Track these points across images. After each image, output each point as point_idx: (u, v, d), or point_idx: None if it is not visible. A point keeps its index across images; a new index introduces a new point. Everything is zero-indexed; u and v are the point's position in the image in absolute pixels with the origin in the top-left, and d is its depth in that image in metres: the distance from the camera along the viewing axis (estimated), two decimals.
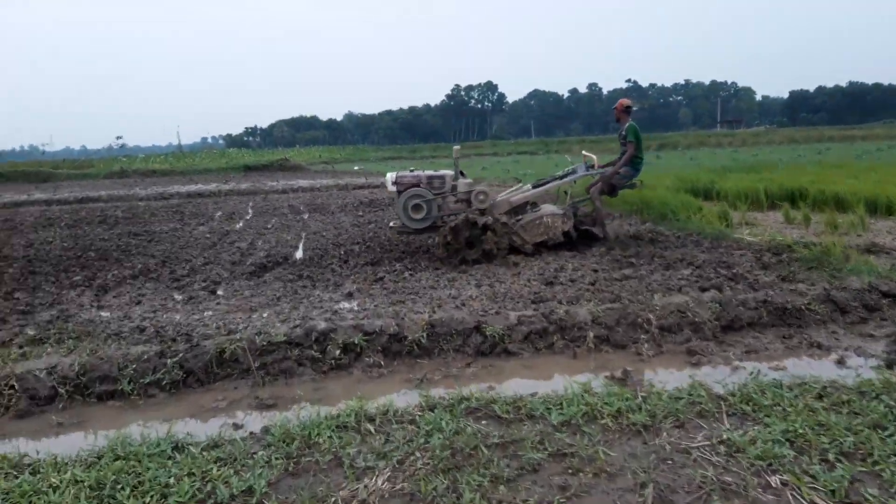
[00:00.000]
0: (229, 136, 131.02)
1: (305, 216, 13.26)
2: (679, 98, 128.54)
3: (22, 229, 12.42)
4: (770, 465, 2.95)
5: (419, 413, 3.63)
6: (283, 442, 3.33)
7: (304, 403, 4.05)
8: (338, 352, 4.62)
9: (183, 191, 20.28)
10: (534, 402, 3.70)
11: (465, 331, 4.88)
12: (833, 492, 2.73)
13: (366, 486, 2.88)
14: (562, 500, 2.74)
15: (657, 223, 9.88)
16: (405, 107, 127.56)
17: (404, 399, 4.01)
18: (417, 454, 3.15)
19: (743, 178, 13.91)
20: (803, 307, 5.24)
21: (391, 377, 4.48)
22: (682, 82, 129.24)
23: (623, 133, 8.54)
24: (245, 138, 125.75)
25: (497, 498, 2.76)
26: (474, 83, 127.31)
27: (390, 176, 8.21)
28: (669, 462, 3.03)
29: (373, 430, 3.44)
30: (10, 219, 14.22)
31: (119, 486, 2.89)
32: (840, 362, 4.45)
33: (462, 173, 8.28)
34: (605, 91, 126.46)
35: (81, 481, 2.93)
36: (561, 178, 8.66)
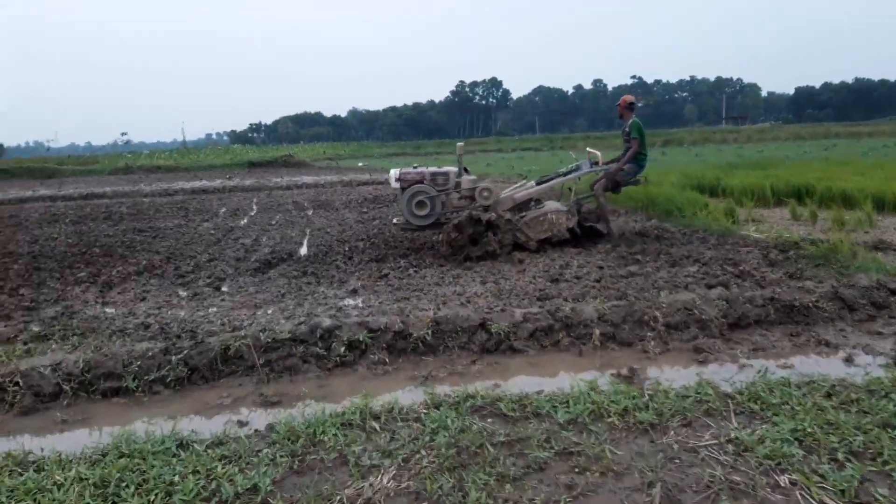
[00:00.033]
0: (234, 132, 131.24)
1: (310, 213, 13.25)
2: (684, 94, 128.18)
3: (27, 225, 12.44)
4: (779, 464, 2.93)
5: (424, 411, 3.62)
6: (288, 440, 3.32)
7: (308, 401, 4.03)
8: (343, 349, 4.61)
9: (187, 187, 20.28)
10: (540, 400, 3.68)
11: (470, 328, 4.85)
12: (843, 492, 2.70)
13: (371, 485, 2.86)
14: (568, 500, 2.72)
15: (663, 220, 9.84)
16: (409, 103, 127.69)
17: (409, 396, 4.00)
18: (423, 452, 3.14)
19: (749, 174, 13.84)
20: (811, 305, 5.20)
21: (396, 374, 4.46)
22: (688, 78, 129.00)
23: (626, 130, 8.49)
24: (249, 134, 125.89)
25: (503, 497, 2.74)
26: (479, 79, 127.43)
27: (394, 172, 8.19)
28: (677, 461, 3.01)
29: (378, 428, 3.43)
30: (16, 215, 14.24)
31: (124, 484, 2.88)
32: (848, 360, 4.41)
33: (466, 170, 8.25)
34: (609, 87, 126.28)
35: (86, 479, 2.92)
36: (565, 174, 8.62)
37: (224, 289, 6.84)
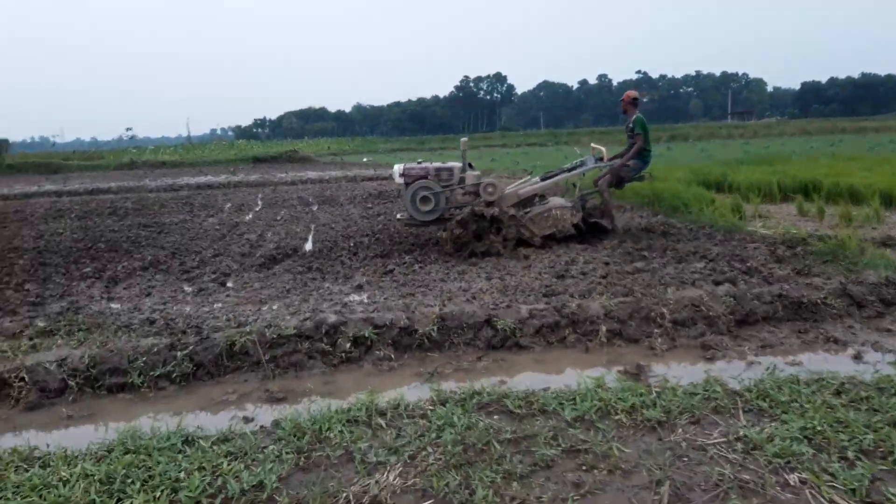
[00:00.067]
0: (238, 127, 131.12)
1: (314, 208, 13.24)
2: (690, 89, 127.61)
3: (32, 221, 12.45)
4: (788, 462, 2.90)
5: (430, 407, 3.60)
6: (294, 436, 3.30)
7: (314, 397, 4.02)
8: (348, 345, 4.59)
9: (192, 182, 20.29)
10: (546, 397, 3.66)
11: (475, 324, 4.83)
12: (853, 490, 2.68)
13: (377, 482, 2.84)
14: (576, 498, 2.70)
15: (669, 215, 9.79)
16: (414, 98, 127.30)
17: (415, 393, 3.98)
18: (429, 449, 3.12)
19: (755, 170, 13.78)
20: (819, 301, 5.17)
21: (402, 370, 4.45)
22: (693, 73, 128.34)
23: (630, 126, 8.44)
24: (254, 129, 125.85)
25: (510, 495, 2.72)
26: (483, 74, 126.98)
27: (398, 168, 8.16)
28: (685, 459, 2.98)
29: (384, 425, 3.41)
30: (21, 210, 14.26)
31: (129, 481, 2.87)
32: (857, 358, 4.38)
33: (470, 165, 8.22)
34: (615, 82, 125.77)
35: (91, 475, 2.91)
36: (570, 170, 8.58)
37: (229, 284, 6.83)
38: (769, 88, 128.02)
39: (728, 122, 74.46)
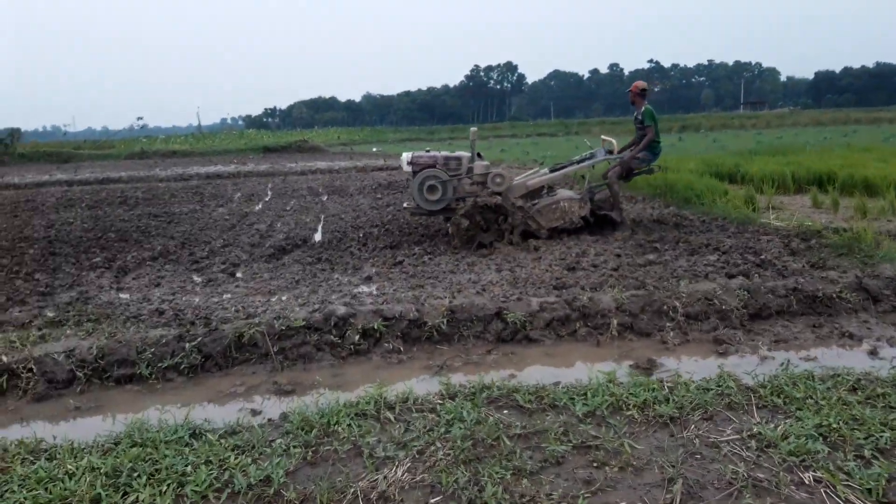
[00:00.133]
0: (249, 116, 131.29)
1: (324, 198, 13.22)
2: (702, 79, 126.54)
3: (43, 210, 12.49)
4: (803, 461, 2.85)
5: (439, 401, 3.56)
6: (302, 430, 3.27)
7: (322, 389, 4.00)
8: (357, 337, 4.56)
9: (202, 172, 20.30)
10: (557, 392, 3.61)
11: (485, 317, 4.79)
12: (869, 490, 2.62)
13: (385, 477, 2.81)
14: (587, 495, 2.66)
15: (681, 207, 9.71)
16: (424, 88, 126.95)
17: (424, 386, 3.95)
18: (438, 444, 3.08)
19: (769, 161, 13.65)
20: (834, 295, 5.09)
21: (410, 363, 4.42)
22: (706, 63, 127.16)
23: (639, 118, 8.32)
24: (264, 119, 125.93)
25: (520, 491, 2.68)
26: (493, 64, 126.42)
27: (406, 156, 8.11)
28: (698, 456, 2.94)
29: (392, 419, 3.38)
30: (32, 199, 14.31)
31: (136, 474, 2.84)
32: (873, 353, 4.32)
33: (479, 155, 8.15)
34: (626, 72, 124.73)
35: (98, 468, 2.89)
36: (579, 162, 8.50)
37: (238, 275, 6.82)
38: (782, 78, 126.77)
39: (741, 113, 73.85)
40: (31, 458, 3.06)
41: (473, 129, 8.53)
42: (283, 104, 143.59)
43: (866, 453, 2.88)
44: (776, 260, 6.21)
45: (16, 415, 3.81)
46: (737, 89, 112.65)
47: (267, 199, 13.35)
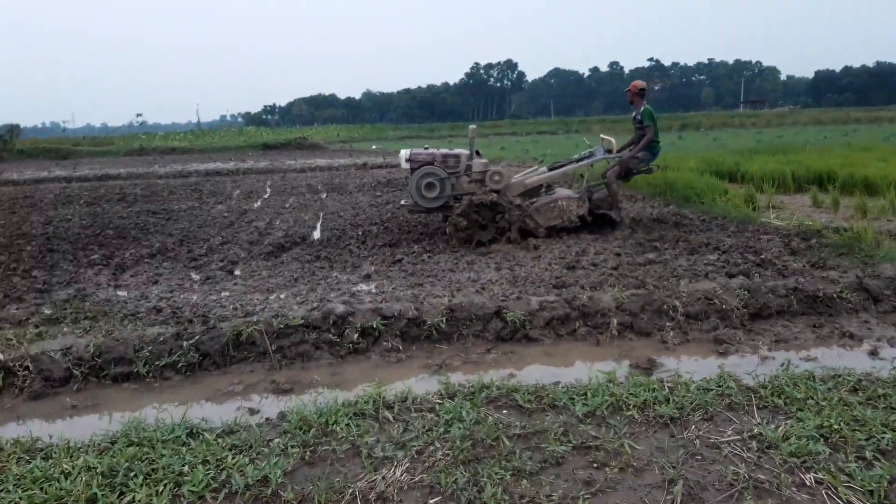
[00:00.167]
0: (248, 113, 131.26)
1: (323, 196, 13.19)
2: (702, 77, 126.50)
3: (41, 206, 12.45)
4: (804, 462, 2.83)
5: (438, 401, 3.54)
6: (300, 429, 3.25)
7: (321, 388, 3.97)
8: (356, 336, 4.54)
9: (201, 169, 20.28)
10: (557, 392, 3.59)
11: (485, 316, 4.77)
12: (871, 492, 2.60)
13: (384, 478, 2.79)
14: (587, 496, 2.64)
15: (681, 206, 9.68)
16: (424, 85, 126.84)
17: (423, 385, 3.93)
18: (437, 444, 3.06)
19: (769, 160, 13.62)
20: (835, 295, 5.07)
21: (409, 362, 4.40)
22: (706, 61, 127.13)
23: (638, 118, 8.29)
24: (264, 116, 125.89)
25: (519, 492, 2.66)
26: (493, 61, 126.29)
27: (404, 153, 8.07)
28: (699, 457, 2.92)
29: (391, 419, 3.36)
30: (31, 196, 14.28)
31: (132, 474, 2.82)
32: (873, 353, 4.30)
33: (478, 153, 8.11)
34: (626, 70, 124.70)
35: (94, 468, 2.86)
36: (578, 161, 8.46)
37: (237, 273, 6.79)
38: (782, 77, 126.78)
39: (741, 111, 73.86)
40: (27, 458, 3.04)
41: (472, 126, 8.49)
42: (282, 101, 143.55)
43: (868, 455, 2.86)
44: (776, 259, 6.18)
45: (12, 413, 3.79)
46: (737, 88, 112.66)
47: (266, 197, 13.32)
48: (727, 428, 3.17)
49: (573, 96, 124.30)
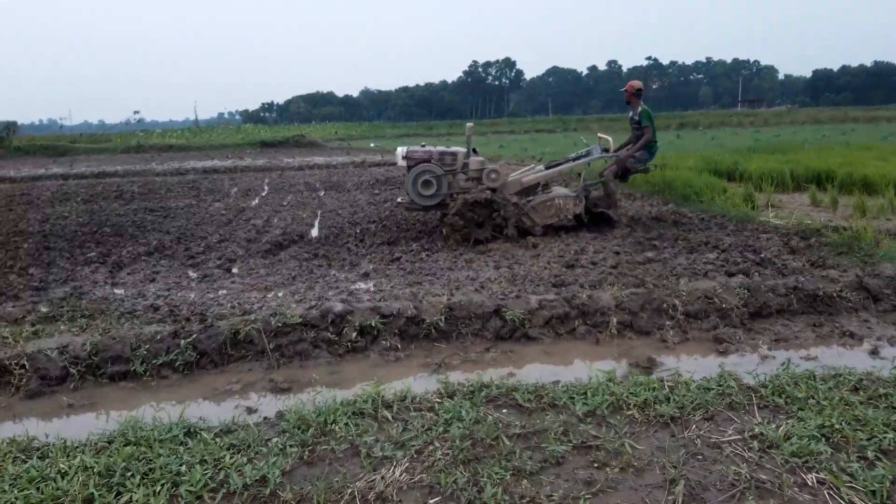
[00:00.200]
0: (246, 111, 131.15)
1: (321, 193, 13.15)
2: (700, 76, 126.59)
3: (38, 204, 12.41)
4: (806, 462, 2.81)
5: (438, 400, 3.52)
6: (298, 429, 3.23)
7: (319, 387, 3.95)
8: (354, 334, 4.52)
9: (199, 166, 20.23)
10: (557, 391, 3.57)
11: (484, 314, 4.75)
12: (874, 492, 2.58)
13: (383, 478, 2.77)
14: (587, 497, 2.62)
15: (680, 204, 9.67)
16: (422, 83, 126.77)
17: (422, 384, 3.90)
18: (436, 444, 3.04)
19: (767, 158, 13.61)
20: (835, 294, 5.06)
21: (408, 361, 4.38)
22: (704, 60, 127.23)
23: (636, 118, 8.26)
24: (261, 114, 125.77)
25: (519, 492, 2.64)
26: (492, 59, 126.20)
27: (401, 150, 8.05)
28: (700, 457, 2.90)
29: (390, 418, 3.34)
30: (28, 193, 14.23)
31: (129, 474, 2.79)
32: (874, 353, 4.29)
33: (475, 150, 8.08)
34: (624, 69, 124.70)
35: (90, 468, 2.84)
36: (575, 159, 8.44)
37: (234, 270, 6.77)
38: (780, 76, 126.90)
39: (738, 110, 73.94)
40: (23, 457, 3.01)
41: (469, 124, 8.47)
42: (280, 99, 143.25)
43: (869, 454, 2.84)
44: (776, 258, 6.17)
45: (8, 412, 3.76)
46: (735, 87, 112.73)
47: (264, 195, 13.29)
48: (728, 427, 3.16)
49: (571, 95, 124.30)
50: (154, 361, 4.19)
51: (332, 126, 60.64)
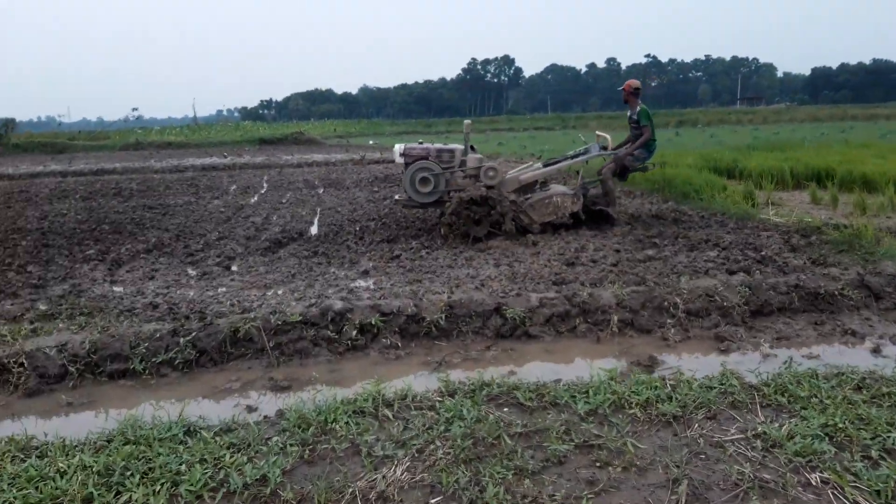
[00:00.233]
0: (244, 108, 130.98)
1: (320, 191, 13.13)
2: (699, 74, 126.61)
3: (37, 201, 12.37)
4: (810, 461, 2.80)
5: (439, 399, 3.50)
6: (299, 427, 3.21)
7: (319, 386, 3.94)
8: (354, 332, 4.50)
9: (198, 163, 20.17)
10: (558, 390, 3.55)
11: (484, 312, 4.73)
12: (878, 492, 2.57)
13: (384, 477, 2.75)
14: (590, 496, 2.60)
15: (680, 202, 9.65)
16: (420, 81, 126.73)
17: (423, 383, 3.88)
18: (438, 443, 3.02)
19: (767, 156, 13.60)
20: (836, 292, 5.04)
21: (408, 359, 4.36)
22: (703, 58, 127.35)
23: (635, 118, 8.24)
24: (260, 111, 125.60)
25: (521, 492, 2.62)
26: (490, 57, 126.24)
27: (399, 147, 8.03)
28: (703, 456, 2.88)
29: (391, 417, 3.32)
30: (26, 190, 14.19)
31: (128, 473, 2.77)
32: (876, 351, 4.28)
33: (472, 148, 8.06)
34: (623, 66, 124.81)
35: (90, 467, 2.82)
36: (573, 157, 8.42)
37: (234, 268, 6.74)
38: (779, 74, 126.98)
39: (737, 108, 73.94)
40: (22, 456, 2.99)
41: (467, 121, 8.44)
42: (278, 96, 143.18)
43: (874, 454, 2.83)
44: (777, 256, 6.15)
45: (6, 410, 3.74)
46: (734, 85, 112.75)
47: (263, 192, 13.26)
48: (731, 426, 3.14)
49: (570, 92, 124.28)
50: (153, 359, 4.17)
51: (330, 123, 60.56)
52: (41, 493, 2.64)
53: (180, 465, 2.84)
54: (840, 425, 3.06)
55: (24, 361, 4.03)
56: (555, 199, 7.75)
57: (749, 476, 2.69)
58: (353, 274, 6.19)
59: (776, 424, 3.13)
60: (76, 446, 3.07)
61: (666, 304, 4.84)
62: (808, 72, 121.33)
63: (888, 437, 2.95)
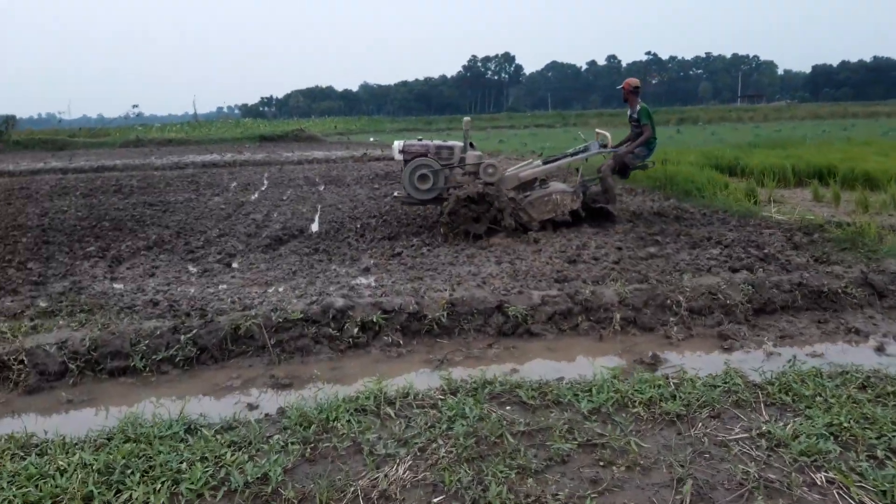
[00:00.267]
0: (245, 105, 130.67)
1: (321, 188, 13.10)
2: (699, 71, 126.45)
3: (37, 198, 12.34)
4: (815, 461, 2.78)
5: (441, 397, 3.48)
6: (300, 426, 3.19)
7: (320, 383, 3.92)
8: (356, 330, 4.48)
9: (198, 160, 20.13)
10: (561, 388, 3.53)
11: (486, 310, 4.71)
12: (884, 492, 2.55)
13: (386, 476, 2.73)
14: (594, 495, 2.58)
15: (682, 200, 9.62)
16: (421, 78, 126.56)
17: (424, 381, 3.87)
18: (440, 442, 3.00)
19: (769, 154, 13.57)
20: (840, 290, 5.02)
21: (410, 357, 4.34)
22: (703, 55, 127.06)
23: (635, 116, 8.22)
24: (261, 108, 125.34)
25: (524, 491, 2.60)
26: (491, 54, 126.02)
27: (398, 144, 8.00)
28: (707, 455, 2.86)
29: (393, 415, 3.30)
30: (26, 187, 14.16)
31: (129, 471, 2.75)
32: (879, 349, 4.26)
33: (472, 145, 8.03)
34: (624, 63, 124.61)
35: (90, 465, 2.80)
36: (573, 155, 8.39)
37: (234, 265, 6.72)
38: (780, 71, 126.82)
39: (738, 106, 73.91)
40: (22, 454, 2.97)
41: (467, 118, 8.41)
42: (279, 93, 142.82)
43: (879, 453, 2.81)
44: (779, 254, 6.13)
45: (6, 408, 3.72)
46: (734, 82, 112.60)
47: (263, 189, 13.23)
48: (735, 426, 3.12)
49: (570, 90, 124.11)
50: (154, 357, 4.15)
51: (331, 120, 60.45)
52: (41, 491, 2.62)
53: (181, 463, 2.82)
54: (845, 424, 3.04)
55: (25, 358, 4.01)
56: (554, 196, 7.72)
57: (754, 476, 2.67)
58: (355, 271, 6.17)
59: (781, 423, 3.11)
60: (76, 444, 3.05)
61: (668, 301, 4.82)
62: (808, 69, 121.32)
63: (893, 436, 2.93)
